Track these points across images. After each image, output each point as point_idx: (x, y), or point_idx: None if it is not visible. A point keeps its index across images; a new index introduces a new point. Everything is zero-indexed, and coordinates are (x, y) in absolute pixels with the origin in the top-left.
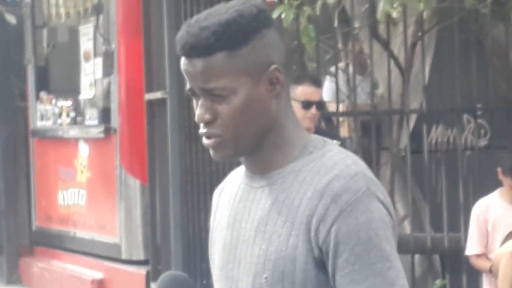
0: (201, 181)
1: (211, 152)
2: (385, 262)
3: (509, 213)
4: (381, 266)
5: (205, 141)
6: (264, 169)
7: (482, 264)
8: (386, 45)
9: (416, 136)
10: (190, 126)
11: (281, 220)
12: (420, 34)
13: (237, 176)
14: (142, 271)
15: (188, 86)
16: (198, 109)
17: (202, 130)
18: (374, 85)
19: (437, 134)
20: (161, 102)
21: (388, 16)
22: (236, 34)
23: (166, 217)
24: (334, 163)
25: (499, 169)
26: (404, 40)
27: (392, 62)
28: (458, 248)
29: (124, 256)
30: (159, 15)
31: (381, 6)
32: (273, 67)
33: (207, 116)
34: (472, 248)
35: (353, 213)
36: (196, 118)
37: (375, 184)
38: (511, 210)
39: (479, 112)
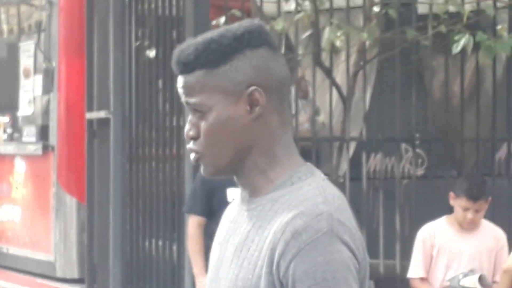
0: (141, 202)
1: (202, 170)
2: None
3: (456, 240)
4: None
5: (193, 157)
6: (250, 192)
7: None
8: (328, 72)
9: (355, 164)
10: (132, 146)
11: (253, 248)
12: (362, 63)
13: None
14: None
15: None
16: (186, 125)
17: (188, 145)
18: (315, 112)
19: (375, 162)
20: (103, 121)
21: (331, 45)
22: (214, 53)
23: (104, 236)
24: (305, 199)
25: (451, 194)
26: (346, 68)
27: (334, 89)
28: (393, 274)
29: (58, 274)
30: (104, 35)
31: (326, 35)
32: (252, 88)
33: (191, 133)
34: (416, 271)
35: (311, 253)
36: (185, 132)
37: (342, 225)
38: (457, 237)
39: (417, 142)
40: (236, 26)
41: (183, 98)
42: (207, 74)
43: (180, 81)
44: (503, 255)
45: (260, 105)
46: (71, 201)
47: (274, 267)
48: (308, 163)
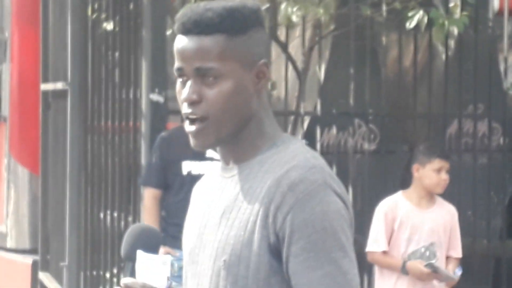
0: (97, 174)
1: (191, 140)
2: (340, 251)
3: (416, 214)
4: (336, 255)
5: (188, 127)
6: (235, 160)
7: (391, 261)
8: (284, 47)
9: (309, 138)
10: (87, 119)
11: (243, 207)
12: (317, 38)
13: (215, 169)
14: (28, 260)
15: (177, 65)
16: (186, 89)
17: (186, 110)
18: (271, 86)
19: (329, 136)
20: (58, 93)
21: (287, 19)
22: (237, 21)
23: (59, 207)
24: (295, 155)
25: (415, 166)
26: (302, 43)
27: (289, 64)
28: None
29: (9, 245)
30: (59, 5)
31: (282, 10)
32: (262, 61)
33: (194, 97)
34: (378, 245)
35: (309, 203)
36: (182, 98)
37: (333, 178)
38: (416, 212)
39: (370, 117)
40: (248, 2)
41: (190, 63)
42: (227, 40)
43: (194, 42)
44: (456, 230)
45: (265, 77)
46: (23, 172)
47: (270, 220)
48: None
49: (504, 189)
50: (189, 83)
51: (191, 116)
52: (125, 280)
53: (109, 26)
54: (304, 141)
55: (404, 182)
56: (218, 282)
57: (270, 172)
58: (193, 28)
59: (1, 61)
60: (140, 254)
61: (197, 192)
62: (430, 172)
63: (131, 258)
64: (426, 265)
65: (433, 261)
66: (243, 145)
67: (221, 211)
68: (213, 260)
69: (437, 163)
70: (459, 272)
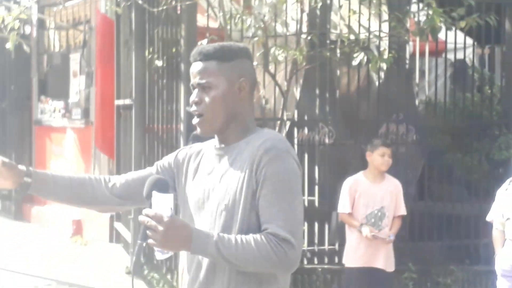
0: (151, 160)
1: (197, 129)
2: (293, 196)
3: (371, 187)
4: (290, 198)
5: (194, 120)
6: (227, 142)
7: (352, 221)
8: (273, 76)
9: (289, 136)
10: (145, 123)
11: (236, 168)
12: (295, 71)
13: (207, 148)
14: (107, 214)
15: (191, 82)
16: (193, 95)
17: (193, 108)
18: (265, 101)
19: (303, 134)
20: (126, 106)
21: (275, 58)
22: (225, 53)
23: None
24: (268, 133)
25: (367, 153)
26: (285, 74)
27: (276, 88)
28: (313, 209)
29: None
30: (126, 49)
31: (272, 52)
32: (242, 79)
33: (196, 99)
34: (345, 208)
35: (277, 162)
36: (190, 101)
37: (292, 149)
38: (371, 185)
39: (329, 122)
40: (232, 43)
41: (195, 79)
42: (218, 64)
43: (197, 66)
44: (400, 196)
45: (244, 90)
46: (104, 158)
47: (253, 173)
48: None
49: (417, 169)
50: (195, 91)
51: (195, 113)
52: (145, 210)
53: (159, 62)
54: (271, 129)
55: (363, 165)
56: (220, 219)
57: (252, 145)
58: (197, 56)
59: (89, 86)
60: (154, 193)
61: (188, 159)
62: (377, 156)
63: (149, 197)
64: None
65: (376, 231)
66: (232, 133)
67: (221, 173)
68: (216, 205)
69: (381, 150)
70: (392, 237)
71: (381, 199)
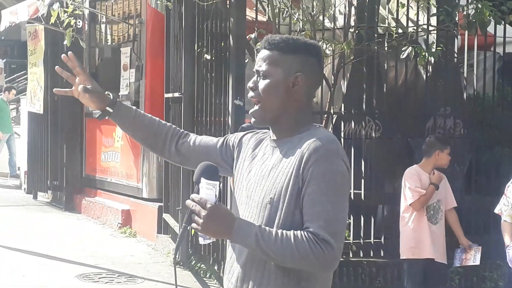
0: None
1: (252, 120)
2: (337, 197)
3: (428, 181)
4: (334, 199)
5: (251, 110)
6: (280, 135)
7: (423, 200)
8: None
9: (336, 129)
10: (194, 115)
11: (285, 164)
12: (342, 64)
13: (266, 138)
14: (156, 205)
15: (255, 68)
16: (250, 81)
17: (249, 94)
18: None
19: (349, 128)
20: (176, 99)
21: (323, 52)
22: (288, 45)
23: (175, 171)
24: (321, 133)
25: (437, 151)
26: (332, 67)
27: (324, 81)
28: (359, 200)
29: (144, 195)
30: (176, 44)
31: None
32: (298, 73)
33: (251, 85)
34: (413, 196)
35: (324, 162)
36: (247, 87)
37: (343, 151)
38: (427, 179)
39: (376, 115)
40: (302, 38)
41: (256, 66)
42: (279, 55)
43: (262, 53)
44: (449, 189)
45: (298, 85)
46: None
47: (300, 171)
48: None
49: (464, 163)
50: (254, 77)
51: (251, 98)
52: (192, 195)
53: (208, 56)
54: (327, 129)
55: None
56: (264, 211)
57: (304, 142)
58: (264, 44)
59: (139, 79)
60: (202, 180)
61: (249, 144)
62: (446, 155)
63: (198, 182)
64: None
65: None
66: (284, 127)
67: (271, 166)
68: (262, 197)
69: (449, 149)
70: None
71: (437, 192)
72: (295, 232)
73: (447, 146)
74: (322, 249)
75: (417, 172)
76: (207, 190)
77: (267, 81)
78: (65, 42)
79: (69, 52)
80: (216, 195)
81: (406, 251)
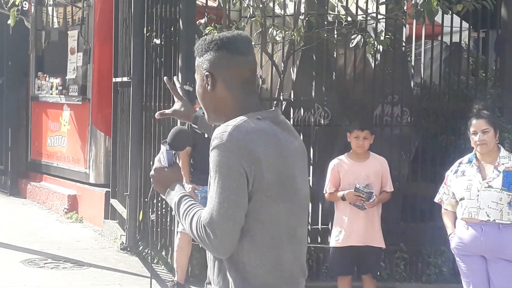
0: (148, 137)
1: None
2: (220, 187)
3: (355, 168)
4: (219, 190)
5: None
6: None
7: (335, 197)
8: (271, 57)
9: (285, 115)
10: (143, 100)
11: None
12: (292, 51)
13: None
14: (103, 190)
15: None
16: None
17: None
18: (262, 82)
19: (299, 115)
20: (124, 84)
21: (273, 39)
22: (199, 48)
23: (123, 157)
24: (227, 124)
25: (348, 134)
26: (282, 54)
27: (274, 68)
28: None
29: (90, 180)
30: (124, 27)
31: (270, 33)
32: (206, 74)
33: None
34: (327, 187)
35: (213, 153)
36: None
37: (236, 141)
38: (355, 165)
39: (325, 103)
40: (212, 36)
41: None
42: (196, 61)
43: None
44: (387, 173)
45: (211, 84)
46: (100, 135)
47: None
48: (257, 112)
49: (410, 150)
50: None
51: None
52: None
53: (157, 41)
54: (259, 117)
55: (347, 144)
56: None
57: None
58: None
59: (87, 63)
60: (162, 146)
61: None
62: (352, 139)
63: (165, 143)
64: (354, 189)
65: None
66: (216, 119)
67: None
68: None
69: (355, 133)
70: (373, 197)
71: (366, 177)
72: (200, 211)
73: (353, 129)
74: (204, 234)
75: (339, 162)
76: (164, 154)
77: (197, 88)
78: (9, 22)
79: (174, 79)
80: (170, 160)
81: (332, 239)
